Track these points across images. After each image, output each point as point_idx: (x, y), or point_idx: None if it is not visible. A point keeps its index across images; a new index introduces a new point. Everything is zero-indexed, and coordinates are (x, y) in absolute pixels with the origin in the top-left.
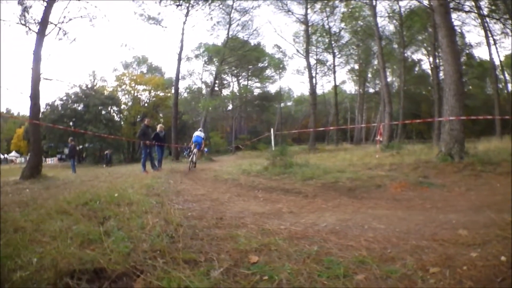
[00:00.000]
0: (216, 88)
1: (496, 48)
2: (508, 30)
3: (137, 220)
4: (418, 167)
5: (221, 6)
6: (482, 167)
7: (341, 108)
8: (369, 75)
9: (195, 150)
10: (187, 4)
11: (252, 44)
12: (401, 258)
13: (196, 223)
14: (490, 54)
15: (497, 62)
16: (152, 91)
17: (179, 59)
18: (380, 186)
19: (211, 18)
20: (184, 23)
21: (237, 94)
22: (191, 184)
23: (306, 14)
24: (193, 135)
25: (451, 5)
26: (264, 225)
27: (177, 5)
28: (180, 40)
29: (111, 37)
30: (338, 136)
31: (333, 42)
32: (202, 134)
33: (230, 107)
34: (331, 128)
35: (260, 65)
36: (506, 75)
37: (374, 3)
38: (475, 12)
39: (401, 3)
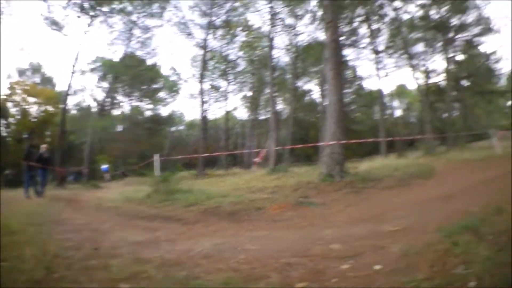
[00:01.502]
0: (107, 107)
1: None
2: (400, 64)
3: (16, 251)
4: (300, 188)
5: (124, 21)
6: (363, 184)
7: (232, 134)
8: (262, 103)
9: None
10: (93, 13)
11: (149, 63)
12: (268, 276)
13: (73, 254)
14: (379, 85)
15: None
16: (43, 104)
17: (73, 72)
18: (260, 209)
19: (112, 32)
20: (86, 33)
21: (128, 115)
22: (72, 212)
23: (206, 39)
24: None
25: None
26: (139, 254)
27: (83, 12)
28: (77, 51)
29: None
30: (228, 161)
31: (229, 69)
32: None
33: (119, 128)
34: (221, 153)
35: (154, 86)
36: (395, 103)
37: (271, 36)
38: (370, 48)
39: (299, 37)
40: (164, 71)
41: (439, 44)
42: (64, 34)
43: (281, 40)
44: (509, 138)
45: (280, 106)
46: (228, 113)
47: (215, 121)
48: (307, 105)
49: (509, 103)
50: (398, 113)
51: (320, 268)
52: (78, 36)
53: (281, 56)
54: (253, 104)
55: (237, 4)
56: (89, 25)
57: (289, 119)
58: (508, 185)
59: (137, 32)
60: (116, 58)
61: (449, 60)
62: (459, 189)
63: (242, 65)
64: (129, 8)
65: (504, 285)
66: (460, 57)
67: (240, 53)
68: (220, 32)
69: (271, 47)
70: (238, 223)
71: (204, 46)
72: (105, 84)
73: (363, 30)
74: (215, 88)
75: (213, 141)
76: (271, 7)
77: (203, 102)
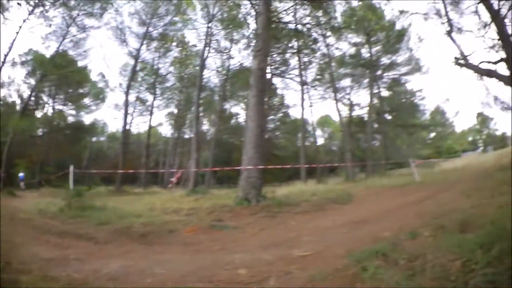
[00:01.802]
0: (31, 107)
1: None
2: (326, 96)
3: None
4: (215, 211)
5: (63, 15)
6: (278, 208)
7: (155, 151)
8: (187, 121)
9: None
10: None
11: (79, 66)
12: None
13: None
14: (303, 114)
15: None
16: None
17: (4, 61)
18: (172, 231)
19: (50, 25)
20: (24, 21)
21: (50, 118)
22: None
23: (139, 49)
24: None
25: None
26: (48, 271)
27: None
28: (13, 39)
29: None
30: (148, 179)
31: (157, 83)
32: None
33: (40, 132)
34: (140, 171)
35: (80, 90)
36: (317, 132)
37: (204, 56)
38: (298, 79)
39: (232, 61)
40: (93, 76)
41: (366, 79)
42: (5, 18)
43: (213, 61)
44: (427, 166)
45: (205, 127)
46: (151, 128)
47: (138, 136)
48: (232, 128)
49: (431, 135)
50: (320, 141)
51: None
52: (17, 24)
53: (211, 77)
54: (178, 122)
55: (176, 18)
56: (30, 13)
57: (212, 140)
58: (424, 209)
59: (73, 30)
60: (48, 54)
61: (374, 95)
62: (374, 214)
63: (171, 81)
64: (72, 3)
65: None
66: (385, 93)
67: (171, 69)
68: (154, 44)
69: (202, 66)
70: (149, 245)
71: (136, 56)
72: (33, 81)
73: (294, 61)
74: (141, 100)
75: (134, 157)
76: (209, 27)
77: (126, 114)
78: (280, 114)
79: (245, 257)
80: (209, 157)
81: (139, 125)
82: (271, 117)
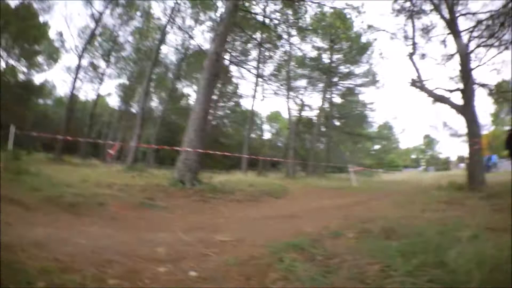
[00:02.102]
0: None
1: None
2: (280, 92)
3: None
4: (148, 189)
5: None
6: (212, 194)
7: (99, 121)
8: (137, 95)
9: None
10: None
11: (41, 20)
12: (84, 269)
13: None
14: (253, 106)
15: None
16: None
17: None
18: (102, 204)
19: None
20: None
21: (1, 72)
22: None
23: (102, 13)
24: None
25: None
26: None
27: None
28: None
29: None
30: (88, 151)
31: (113, 52)
32: None
33: None
34: (80, 139)
35: (36, 47)
36: (266, 126)
37: (166, 31)
38: (253, 72)
39: (193, 41)
40: (51, 34)
41: (322, 84)
42: None
43: (174, 38)
44: (366, 175)
45: (154, 104)
46: (99, 97)
47: (85, 104)
48: (181, 109)
49: (376, 147)
50: (267, 135)
51: (138, 268)
52: None
53: (169, 53)
54: (127, 94)
55: None
56: None
57: (159, 118)
58: (354, 213)
59: None
60: (12, 4)
61: (326, 100)
62: (304, 211)
63: (128, 51)
64: None
65: None
66: (338, 99)
67: (130, 38)
68: (119, 10)
69: (162, 41)
70: (77, 216)
71: (98, 19)
72: None
73: (254, 53)
74: (94, 66)
75: (78, 125)
76: (177, 3)
77: (76, 78)
78: (232, 103)
79: (167, 237)
80: (153, 135)
81: (87, 93)
82: (222, 104)
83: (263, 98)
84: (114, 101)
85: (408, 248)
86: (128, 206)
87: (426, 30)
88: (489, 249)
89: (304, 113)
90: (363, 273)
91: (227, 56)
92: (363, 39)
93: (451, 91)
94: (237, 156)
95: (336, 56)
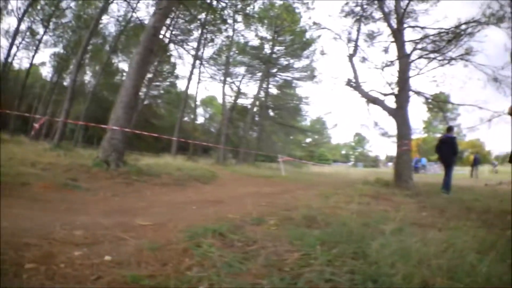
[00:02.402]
0: None
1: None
2: (217, 77)
3: None
4: (72, 169)
5: None
6: (137, 176)
7: (31, 93)
8: (71, 67)
9: None
10: None
11: None
12: (3, 253)
13: None
14: (188, 88)
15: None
16: None
17: None
18: (25, 184)
19: None
20: None
21: None
22: None
23: None
24: None
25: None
26: None
27: None
28: None
29: None
30: (18, 126)
31: (54, 17)
32: None
33: None
34: (5, 111)
35: None
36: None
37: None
38: (192, 53)
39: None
40: None
41: (260, 73)
42: None
43: (117, 9)
44: (296, 166)
45: (87, 77)
46: (32, 66)
47: (18, 73)
48: (115, 85)
49: (307, 140)
50: (201, 120)
51: (54, 252)
52: None
53: (110, 24)
54: (61, 65)
55: None
56: None
57: (90, 94)
58: (279, 201)
59: None
60: None
61: (263, 90)
62: (230, 197)
63: (69, 18)
64: None
65: None
66: (274, 90)
67: (73, 4)
68: None
69: (104, 10)
70: None
71: None
72: None
73: (197, 34)
74: (32, 32)
75: (10, 97)
76: None
77: (12, 44)
78: (167, 83)
79: (87, 220)
80: (82, 111)
81: (21, 61)
82: (157, 83)
83: (199, 81)
84: (47, 72)
85: (330, 238)
86: (52, 186)
87: (371, 36)
88: (414, 244)
89: (239, 101)
90: (281, 260)
91: (167, 34)
92: (308, 35)
93: (385, 94)
94: (167, 138)
95: (278, 48)
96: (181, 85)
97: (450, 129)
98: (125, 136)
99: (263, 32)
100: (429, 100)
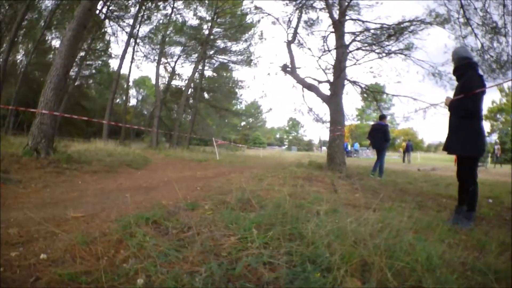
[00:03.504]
0: None
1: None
2: (151, 57)
3: None
4: (2, 160)
5: None
6: (68, 164)
7: None
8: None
9: None
10: None
11: None
12: None
13: None
14: (120, 67)
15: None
16: None
17: None
18: None
19: None
20: None
21: None
22: None
23: None
24: None
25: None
26: None
27: None
28: None
29: None
30: None
31: None
32: None
33: None
34: None
35: None
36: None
37: None
38: (126, 30)
39: None
40: None
41: (196, 54)
42: None
43: None
44: (230, 149)
45: (20, 56)
46: None
47: None
48: (48, 64)
49: (242, 124)
50: (133, 102)
51: None
52: None
53: None
54: None
55: None
56: None
57: (21, 74)
58: (213, 185)
59: None
60: None
61: (198, 71)
62: (163, 182)
63: None
64: None
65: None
66: (210, 73)
67: None
68: None
69: None
70: None
71: None
72: None
73: (134, 11)
74: None
75: None
76: None
77: None
78: (100, 62)
79: (20, 216)
80: (13, 94)
81: None
82: (89, 62)
83: (133, 60)
84: None
85: (265, 220)
86: None
87: (310, 24)
88: (349, 224)
89: (173, 82)
90: (218, 245)
91: (104, 10)
92: (248, 19)
93: (320, 82)
94: (98, 122)
95: (216, 30)
96: (113, 64)
97: (382, 117)
98: (55, 120)
99: (203, 12)
100: (364, 89)
